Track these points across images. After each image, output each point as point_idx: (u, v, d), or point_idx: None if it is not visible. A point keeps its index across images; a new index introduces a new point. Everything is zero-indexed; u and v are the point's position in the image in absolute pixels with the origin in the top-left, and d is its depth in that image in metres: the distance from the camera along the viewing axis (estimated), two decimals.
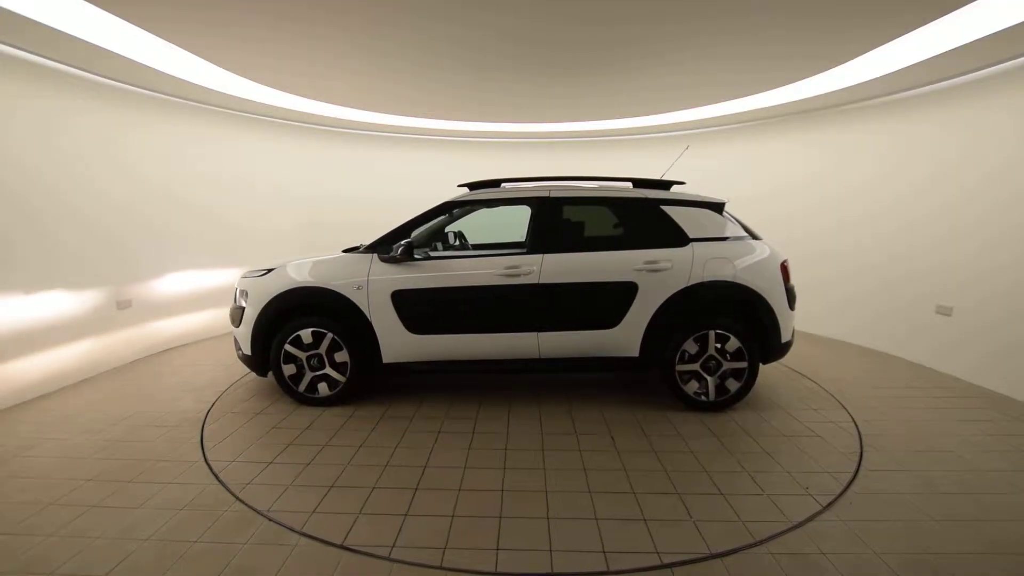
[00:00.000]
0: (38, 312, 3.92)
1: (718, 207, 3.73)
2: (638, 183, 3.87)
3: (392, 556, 2.12)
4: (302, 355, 3.61)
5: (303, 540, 2.21)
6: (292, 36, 3.70)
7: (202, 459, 2.93)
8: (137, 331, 4.90)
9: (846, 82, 4.72)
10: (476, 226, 4.46)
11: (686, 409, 3.64)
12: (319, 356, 3.62)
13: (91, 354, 4.38)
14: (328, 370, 3.63)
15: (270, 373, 3.70)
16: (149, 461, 2.90)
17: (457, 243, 4.81)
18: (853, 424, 3.44)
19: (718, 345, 3.50)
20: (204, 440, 3.17)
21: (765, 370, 4.45)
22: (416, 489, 2.63)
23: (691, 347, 3.52)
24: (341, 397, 3.69)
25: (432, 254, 3.68)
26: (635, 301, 3.51)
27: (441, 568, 2.06)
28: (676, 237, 3.58)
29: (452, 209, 3.76)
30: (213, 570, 2.02)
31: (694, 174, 4.57)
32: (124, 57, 4.01)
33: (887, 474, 2.79)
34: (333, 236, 5.47)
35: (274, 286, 3.62)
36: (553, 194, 3.69)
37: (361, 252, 3.66)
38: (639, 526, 2.32)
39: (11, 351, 3.72)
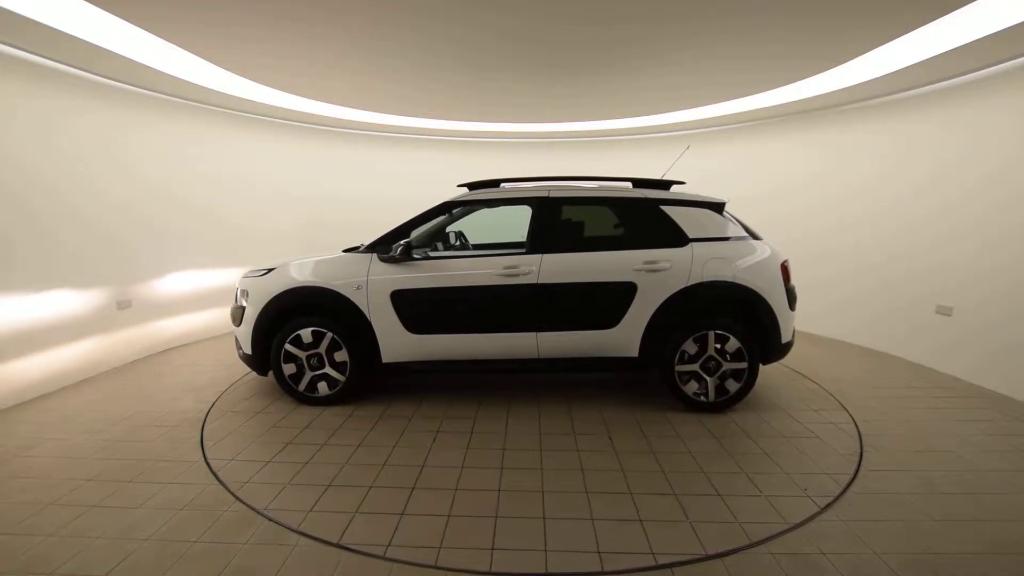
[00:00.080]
0: (38, 312, 3.93)
1: (718, 207, 3.73)
2: (638, 183, 3.86)
3: (387, 555, 2.12)
4: (302, 354, 3.62)
5: (303, 540, 2.21)
6: (292, 36, 3.70)
7: (202, 459, 2.93)
8: (137, 331, 4.90)
9: (846, 82, 4.72)
10: (476, 226, 4.45)
11: (686, 410, 3.63)
12: (319, 355, 3.62)
13: (91, 354, 4.38)
14: (328, 369, 3.64)
15: (270, 372, 3.71)
16: (149, 461, 2.90)
17: (458, 243, 4.82)
18: (853, 424, 3.44)
19: (718, 345, 3.50)
20: (204, 440, 3.18)
21: (765, 370, 4.44)
22: (413, 488, 2.63)
23: (691, 347, 3.51)
24: (341, 396, 3.69)
25: (431, 254, 3.68)
26: (634, 301, 3.50)
27: (436, 567, 2.05)
28: (676, 237, 3.58)
29: (452, 209, 3.76)
30: (213, 570, 2.02)
31: (694, 174, 4.57)
32: (124, 57, 4.02)
33: (887, 474, 2.79)
34: (333, 236, 5.47)
35: (275, 286, 3.63)
36: (553, 194, 3.69)
37: (361, 252, 3.67)
38: (635, 527, 2.32)
39: (11, 351, 3.72)
